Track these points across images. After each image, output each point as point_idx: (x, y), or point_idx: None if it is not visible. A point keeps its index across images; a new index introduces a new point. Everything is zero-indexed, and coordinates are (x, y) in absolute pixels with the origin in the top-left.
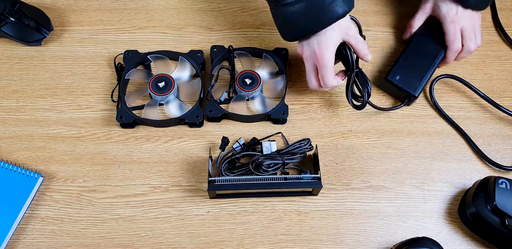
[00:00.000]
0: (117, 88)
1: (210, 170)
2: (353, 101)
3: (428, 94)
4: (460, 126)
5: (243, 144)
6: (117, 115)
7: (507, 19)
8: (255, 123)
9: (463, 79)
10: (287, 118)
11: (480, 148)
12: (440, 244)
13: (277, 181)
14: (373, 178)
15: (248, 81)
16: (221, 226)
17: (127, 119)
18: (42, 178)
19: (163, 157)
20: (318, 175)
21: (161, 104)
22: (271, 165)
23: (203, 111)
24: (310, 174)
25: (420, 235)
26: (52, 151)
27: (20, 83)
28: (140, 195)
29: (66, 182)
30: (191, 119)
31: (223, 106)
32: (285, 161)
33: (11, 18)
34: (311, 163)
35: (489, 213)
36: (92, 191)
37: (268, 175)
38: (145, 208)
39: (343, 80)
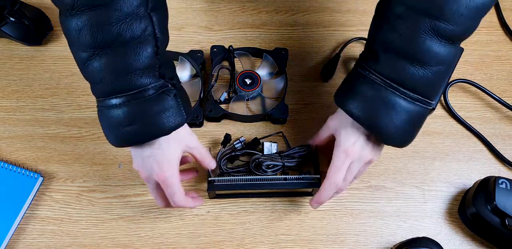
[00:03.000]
0: None
1: (210, 170)
2: None
3: None
4: (473, 127)
5: (244, 142)
6: None
7: (508, 19)
8: (255, 123)
9: (477, 84)
10: (287, 118)
11: (496, 147)
12: (440, 244)
13: (277, 182)
14: (373, 178)
15: (248, 81)
16: (221, 226)
17: None
18: (42, 178)
19: None
20: (318, 176)
21: None
22: (270, 166)
23: (203, 111)
24: (310, 174)
25: (420, 235)
26: (52, 151)
27: (20, 83)
28: (140, 195)
29: (66, 182)
30: (191, 119)
31: (223, 106)
32: (285, 164)
33: (11, 18)
34: (311, 163)
35: (489, 213)
36: (92, 191)
37: (267, 175)
38: (145, 208)
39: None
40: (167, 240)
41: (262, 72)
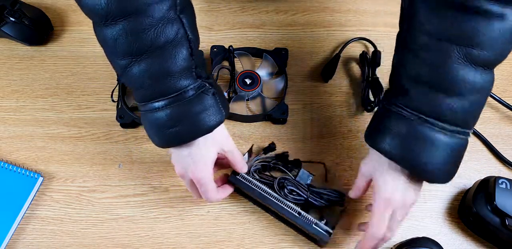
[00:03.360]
0: (117, 88)
1: None
2: (366, 104)
3: None
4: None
5: (287, 158)
6: (117, 115)
7: None
8: (255, 123)
9: None
10: (287, 118)
11: (496, 147)
12: (440, 244)
13: (289, 210)
14: None
15: (248, 81)
16: (221, 226)
17: (127, 119)
18: (42, 178)
19: (163, 157)
20: (331, 231)
21: None
22: (293, 193)
23: None
24: (326, 224)
25: (420, 235)
26: (52, 151)
27: (20, 83)
28: (140, 195)
29: (66, 182)
30: None
31: None
32: (309, 199)
33: (11, 18)
34: (334, 212)
35: (489, 213)
36: (92, 191)
37: (286, 199)
38: (145, 208)
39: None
40: (167, 240)
41: (262, 72)
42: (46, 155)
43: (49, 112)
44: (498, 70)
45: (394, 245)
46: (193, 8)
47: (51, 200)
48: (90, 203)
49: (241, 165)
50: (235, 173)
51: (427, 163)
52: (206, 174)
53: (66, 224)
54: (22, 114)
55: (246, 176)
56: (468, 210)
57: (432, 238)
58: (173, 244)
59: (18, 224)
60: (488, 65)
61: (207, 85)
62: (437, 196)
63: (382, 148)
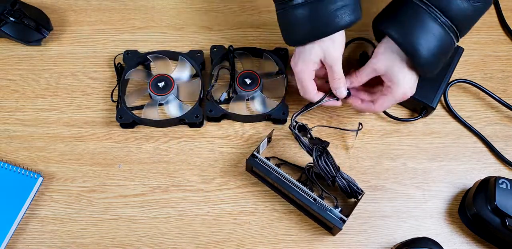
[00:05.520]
0: (117, 88)
1: (261, 147)
2: None
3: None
4: (473, 127)
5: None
6: (117, 115)
7: (508, 19)
8: (255, 123)
9: (477, 84)
10: (287, 118)
11: (496, 147)
12: (441, 244)
13: (305, 195)
14: (373, 178)
15: (248, 81)
16: (221, 226)
17: (127, 119)
18: (42, 178)
19: (163, 157)
20: (346, 218)
21: (161, 104)
22: (326, 167)
23: (203, 111)
24: (341, 212)
25: (420, 235)
26: (52, 151)
27: (20, 83)
28: (140, 195)
29: (66, 182)
30: (191, 119)
31: (223, 106)
32: (336, 178)
33: (11, 18)
34: (350, 204)
35: (490, 213)
36: (92, 191)
37: (319, 165)
38: (145, 208)
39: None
40: (167, 240)
41: (262, 72)
42: (46, 155)
43: (49, 112)
44: (498, 70)
45: (394, 245)
46: None
47: (51, 200)
48: (90, 203)
49: (340, 84)
50: (253, 155)
51: (423, 48)
52: (301, 70)
53: (66, 224)
54: (22, 114)
55: (264, 159)
56: (468, 210)
57: (432, 238)
58: (173, 244)
59: (18, 224)
60: None
61: None
62: (437, 196)
63: (390, 32)
